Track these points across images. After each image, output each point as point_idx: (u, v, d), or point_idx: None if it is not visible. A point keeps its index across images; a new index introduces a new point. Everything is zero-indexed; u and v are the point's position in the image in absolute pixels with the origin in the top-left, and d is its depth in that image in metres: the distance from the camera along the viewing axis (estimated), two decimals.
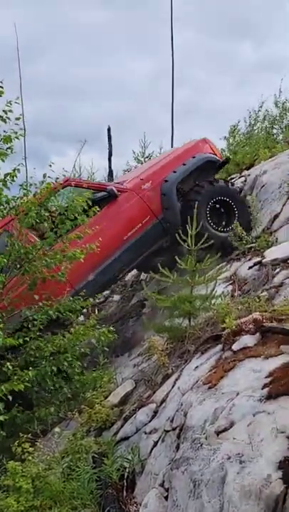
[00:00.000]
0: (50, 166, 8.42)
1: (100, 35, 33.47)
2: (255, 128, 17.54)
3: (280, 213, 9.11)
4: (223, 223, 9.60)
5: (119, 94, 32.86)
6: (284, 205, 9.12)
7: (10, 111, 7.89)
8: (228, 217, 9.68)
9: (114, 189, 9.27)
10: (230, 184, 10.10)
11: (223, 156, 11.17)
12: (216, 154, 10.37)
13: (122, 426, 6.56)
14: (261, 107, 17.35)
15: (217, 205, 9.64)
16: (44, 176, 8.28)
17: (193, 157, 9.95)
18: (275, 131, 16.92)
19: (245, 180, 10.81)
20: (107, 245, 8.84)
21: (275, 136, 16.46)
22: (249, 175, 10.82)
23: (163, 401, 6.19)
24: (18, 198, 8.27)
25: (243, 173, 11.51)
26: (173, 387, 6.17)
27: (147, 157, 17.37)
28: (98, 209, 8.44)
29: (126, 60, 33.64)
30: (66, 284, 8.43)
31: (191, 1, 32.54)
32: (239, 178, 11.02)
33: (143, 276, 11.48)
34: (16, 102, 7.97)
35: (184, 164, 9.80)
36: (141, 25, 31.18)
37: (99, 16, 32.43)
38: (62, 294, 8.26)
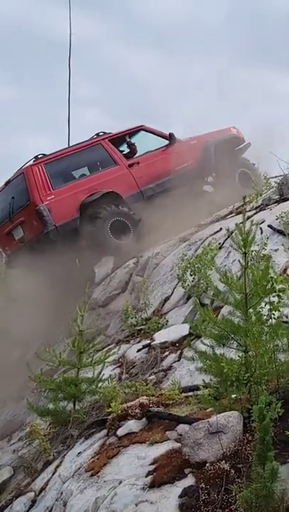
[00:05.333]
0: None
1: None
2: None
3: (170, 296, 9.11)
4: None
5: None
6: (175, 287, 9.13)
7: None
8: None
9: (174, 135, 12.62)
10: None
11: None
12: None
13: None
14: None
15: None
16: None
17: None
18: None
19: (138, 262, 10.82)
20: (164, 172, 12.18)
21: None
22: (142, 256, 10.86)
23: (42, 489, 5.86)
24: None
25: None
26: (53, 474, 5.88)
27: None
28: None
29: (25, 138, 33.90)
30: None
31: (99, 84, 33.75)
32: (131, 259, 11.02)
33: (29, 355, 11.19)
34: None
35: None
36: (44, 103, 31.77)
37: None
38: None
